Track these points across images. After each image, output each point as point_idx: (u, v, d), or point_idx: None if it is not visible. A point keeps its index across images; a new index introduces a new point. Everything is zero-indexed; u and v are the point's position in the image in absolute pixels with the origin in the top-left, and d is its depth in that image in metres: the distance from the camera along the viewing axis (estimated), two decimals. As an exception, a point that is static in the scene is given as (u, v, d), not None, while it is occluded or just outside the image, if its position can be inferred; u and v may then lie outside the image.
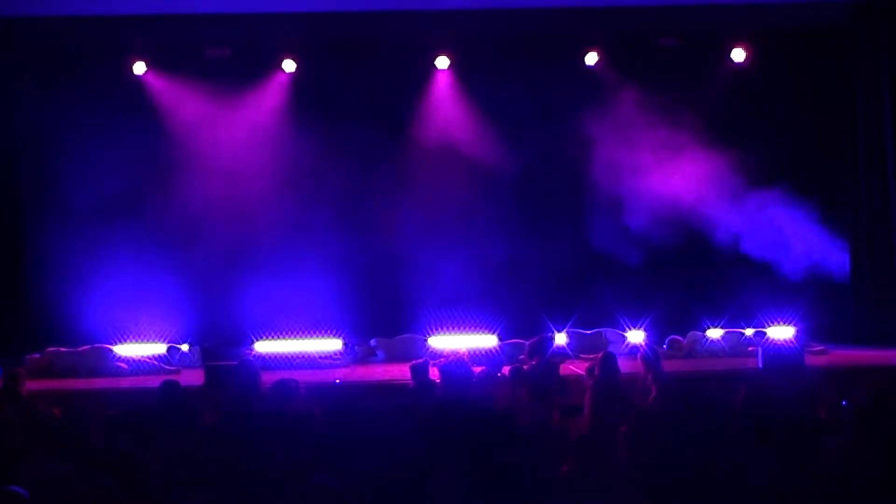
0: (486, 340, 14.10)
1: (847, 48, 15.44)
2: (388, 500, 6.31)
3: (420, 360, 10.89)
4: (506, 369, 10.68)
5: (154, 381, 12.62)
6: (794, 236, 15.23)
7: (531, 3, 14.83)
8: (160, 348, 13.98)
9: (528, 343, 12.04)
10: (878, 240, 15.34)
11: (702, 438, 7.07)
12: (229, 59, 15.38)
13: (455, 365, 10.70)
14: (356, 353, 14.28)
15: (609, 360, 9.86)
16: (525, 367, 10.84)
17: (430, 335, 14.32)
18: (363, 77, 15.45)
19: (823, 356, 13.68)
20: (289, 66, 15.57)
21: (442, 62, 15.72)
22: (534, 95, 15.42)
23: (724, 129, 15.47)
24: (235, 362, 11.09)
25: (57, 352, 13.48)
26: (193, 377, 12.79)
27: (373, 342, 14.49)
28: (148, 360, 13.62)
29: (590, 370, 10.11)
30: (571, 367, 12.44)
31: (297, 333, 14.20)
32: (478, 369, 11.01)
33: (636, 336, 14.14)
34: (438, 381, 10.35)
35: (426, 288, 15.18)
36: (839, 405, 8.04)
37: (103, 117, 14.86)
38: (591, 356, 13.31)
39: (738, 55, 15.73)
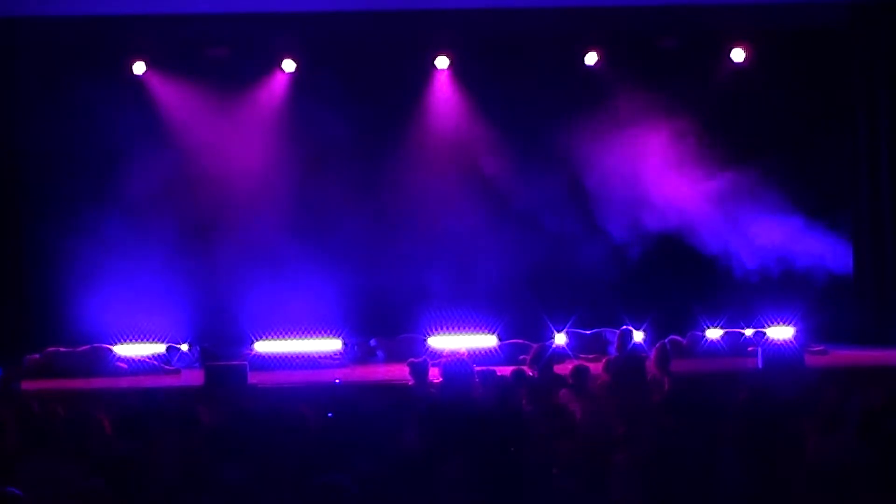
0: (486, 340, 14.10)
1: (847, 48, 15.43)
2: (388, 500, 6.31)
3: (419, 359, 10.87)
4: (505, 370, 10.65)
5: (154, 381, 12.71)
6: (795, 236, 15.22)
7: (531, 3, 14.82)
8: (160, 348, 13.99)
9: (532, 352, 11.90)
10: (878, 239, 15.33)
11: (702, 438, 7.06)
12: (229, 59, 15.38)
13: (456, 365, 10.68)
14: (356, 353, 14.28)
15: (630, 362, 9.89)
16: (529, 373, 10.76)
17: (430, 335, 14.31)
18: (363, 77, 15.43)
19: (823, 356, 13.66)
20: (289, 66, 15.56)
21: (442, 62, 15.70)
22: (534, 95, 15.40)
23: (723, 130, 15.46)
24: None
25: (57, 352, 13.48)
26: (193, 377, 12.81)
27: (373, 342, 14.48)
28: (148, 360, 13.61)
29: (574, 371, 10.05)
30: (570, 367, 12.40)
31: (297, 333, 14.20)
32: (477, 370, 10.98)
33: (636, 336, 14.10)
34: (439, 380, 10.33)
35: (427, 287, 15.17)
36: (840, 405, 8.02)
37: (103, 117, 14.84)
38: (591, 356, 13.33)
39: (738, 55, 15.70)
